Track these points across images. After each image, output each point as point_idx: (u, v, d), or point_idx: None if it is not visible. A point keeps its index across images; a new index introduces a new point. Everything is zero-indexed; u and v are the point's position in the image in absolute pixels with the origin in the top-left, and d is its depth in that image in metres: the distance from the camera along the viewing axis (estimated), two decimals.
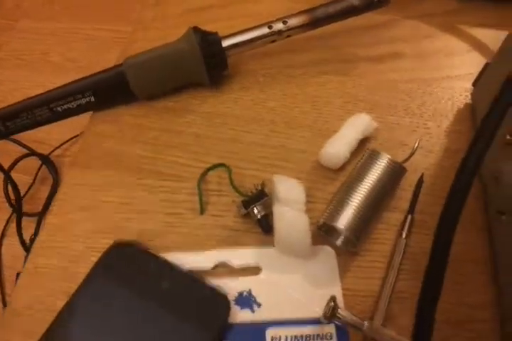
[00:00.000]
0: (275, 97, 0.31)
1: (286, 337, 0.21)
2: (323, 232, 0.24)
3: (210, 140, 0.29)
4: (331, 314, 0.20)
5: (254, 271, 0.24)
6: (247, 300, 0.23)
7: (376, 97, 0.31)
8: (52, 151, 0.84)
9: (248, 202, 0.25)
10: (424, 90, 0.31)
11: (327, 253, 0.24)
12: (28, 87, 0.93)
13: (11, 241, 0.75)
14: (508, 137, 0.23)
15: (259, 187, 0.25)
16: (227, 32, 0.29)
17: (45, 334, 0.21)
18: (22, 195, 0.77)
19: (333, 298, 0.21)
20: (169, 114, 0.31)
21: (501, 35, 0.26)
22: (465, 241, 0.24)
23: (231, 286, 0.23)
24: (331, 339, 0.21)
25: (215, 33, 0.29)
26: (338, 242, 0.24)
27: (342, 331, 0.22)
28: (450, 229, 0.16)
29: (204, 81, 0.30)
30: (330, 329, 0.22)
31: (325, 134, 0.28)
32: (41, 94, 0.29)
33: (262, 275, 0.24)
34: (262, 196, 0.25)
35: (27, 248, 0.73)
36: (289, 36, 0.30)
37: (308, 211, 0.23)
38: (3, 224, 0.77)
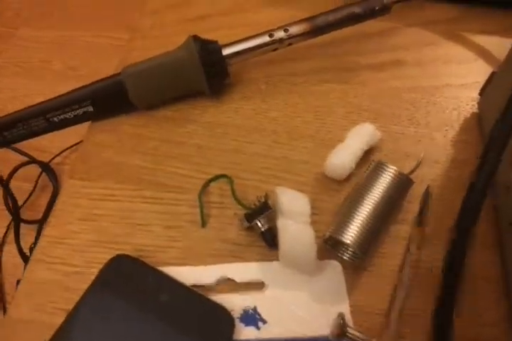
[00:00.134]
0: (277, 107, 0.30)
1: None
2: (329, 246, 0.24)
3: (211, 150, 0.28)
4: (340, 332, 0.19)
5: (257, 286, 0.23)
6: (252, 317, 0.22)
7: (379, 106, 0.30)
8: (53, 159, 0.83)
9: (251, 215, 0.24)
10: (428, 100, 0.30)
11: (334, 267, 0.23)
12: (27, 95, 0.93)
13: (12, 248, 0.75)
14: None
15: (263, 200, 0.24)
16: (227, 41, 0.29)
17: None
18: (22, 202, 0.76)
19: (341, 316, 0.20)
20: (169, 123, 0.30)
21: (505, 42, 0.26)
22: (476, 259, 0.23)
23: (235, 302, 0.22)
24: None
25: (215, 42, 0.29)
26: (345, 256, 0.23)
27: None
28: (461, 258, 0.15)
29: (204, 90, 0.30)
30: None
31: (328, 144, 0.28)
32: (38, 103, 0.29)
33: (267, 292, 0.23)
34: (265, 208, 0.24)
35: (26, 257, 0.72)
36: (290, 44, 0.29)
37: (313, 223, 0.23)
38: (4, 232, 0.77)
